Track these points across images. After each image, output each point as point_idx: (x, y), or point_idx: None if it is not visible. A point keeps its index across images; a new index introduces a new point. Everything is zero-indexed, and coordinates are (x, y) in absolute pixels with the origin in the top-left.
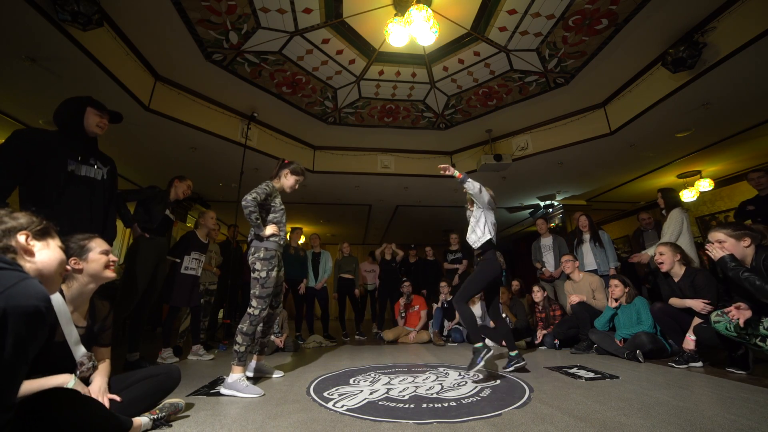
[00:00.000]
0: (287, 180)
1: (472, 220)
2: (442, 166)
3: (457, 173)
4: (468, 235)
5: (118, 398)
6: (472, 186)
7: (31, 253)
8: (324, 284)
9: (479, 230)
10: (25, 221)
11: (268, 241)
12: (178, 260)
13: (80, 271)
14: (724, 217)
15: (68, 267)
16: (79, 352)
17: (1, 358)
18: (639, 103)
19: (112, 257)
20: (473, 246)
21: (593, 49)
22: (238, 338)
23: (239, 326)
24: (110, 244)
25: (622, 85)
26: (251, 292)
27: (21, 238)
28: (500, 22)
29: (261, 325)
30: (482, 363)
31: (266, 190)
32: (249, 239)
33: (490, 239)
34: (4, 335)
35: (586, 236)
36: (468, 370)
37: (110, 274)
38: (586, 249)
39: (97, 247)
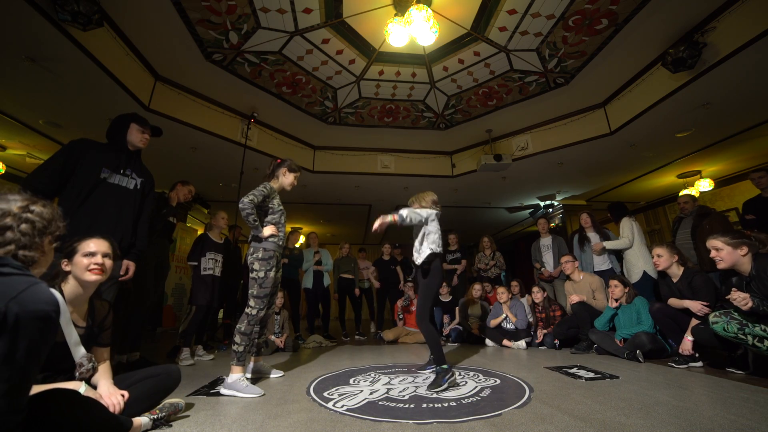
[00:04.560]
0: (286, 178)
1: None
2: (376, 226)
3: (391, 218)
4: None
5: (127, 393)
6: (409, 216)
7: None
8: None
9: (426, 245)
10: None
11: (266, 242)
12: (196, 263)
13: (69, 272)
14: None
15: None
16: (79, 353)
17: (14, 362)
18: (639, 103)
19: (96, 259)
20: (416, 261)
21: (593, 49)
22: (237, 338)
23: (237, 326)
24: (141, 252)
25: (622, 85)
26: (249, 292)
27: None
28: (500, 22)
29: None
30: (446, 385)
31: (264, 192)
32: (249, 240)
33: (433, 252)
34: (18, 339)
35: (592, 235)
36: (429, 389)
37: (91, 277)
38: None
39: (83, 248)
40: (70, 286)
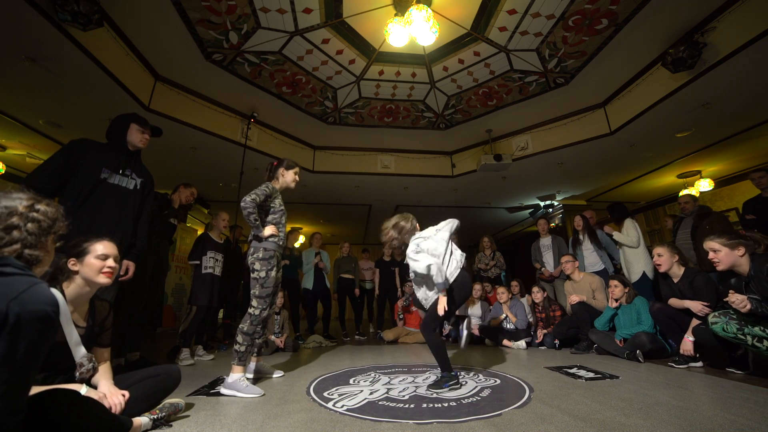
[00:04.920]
0: (286, 177)
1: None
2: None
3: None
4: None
5: (127, 393)
6: (436, 271)
7: None
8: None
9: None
10: None
11: (267, 242)
12: (198, 262)
13: (76, 272)
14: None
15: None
16: (79, 353)
17: (14, 362)
18: (639, 103)
19: (109, 263)
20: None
21: (593, 49)
22: (239, 338)
23: (240, 326)
24: (141, 253)
25: (622, 85)
26: (251, 292)
27: None
28: (500, 22)
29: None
30: (447, 389)
31: (266, 192)
32: (249, 239)
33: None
34: (18, 339)
35: (582, 237)
36: (429, 389)
37: (103, 279)
38: (588, 251)
39: (96, 250)
40: (73, 286)
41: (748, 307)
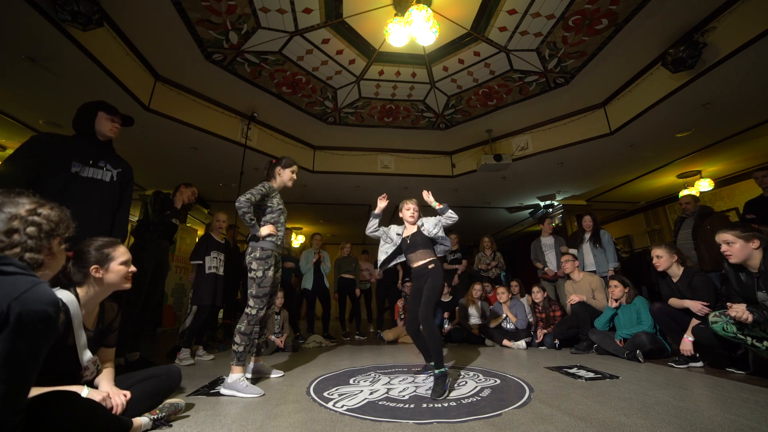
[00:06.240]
0: (283, 175)
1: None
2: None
3: (436, 204)
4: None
5: (129, 393)
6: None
7: None
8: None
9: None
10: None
11: (264, 241)
12: (201, 262)
13: (100, 280)
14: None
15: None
16: (86, 356)
17: (15, 362)
18: (639, 103)
19: (132, 268)
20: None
21: (593, 49)
22: (237, 338)
23: (237, 326)
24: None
25: (622, 85)
26: (248, 291)
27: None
28: (500, 22)
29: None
30: (447, 391)
31: (262, 191)
32: (248, 239)
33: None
34: (19, 339)
35: (587, 236)
36: (433, 395)
37: (128, 285)
38: (587, 250)
39: (119, 257)
40: (91, 290)
41: (750, 319)
